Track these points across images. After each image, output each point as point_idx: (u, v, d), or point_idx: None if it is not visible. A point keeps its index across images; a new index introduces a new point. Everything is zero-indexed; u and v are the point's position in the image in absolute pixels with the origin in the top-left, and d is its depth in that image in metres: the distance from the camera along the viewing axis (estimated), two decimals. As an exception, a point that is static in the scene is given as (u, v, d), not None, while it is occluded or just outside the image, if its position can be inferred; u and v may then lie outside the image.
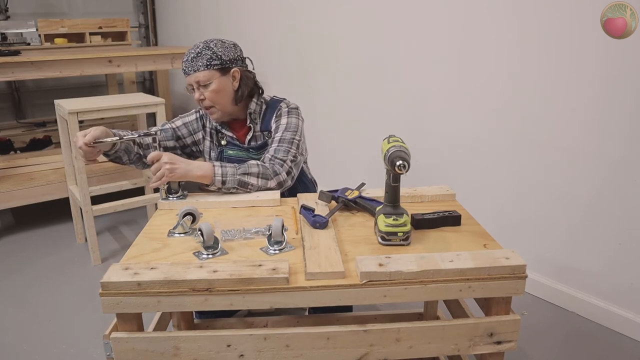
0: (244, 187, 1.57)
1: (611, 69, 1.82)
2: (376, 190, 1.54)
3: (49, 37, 3.97)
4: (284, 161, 1.63)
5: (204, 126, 1.81)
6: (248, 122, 1.76)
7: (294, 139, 1.68)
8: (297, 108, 1.78)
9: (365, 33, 2.72)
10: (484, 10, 2.16)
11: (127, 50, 3.53)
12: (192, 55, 1.65)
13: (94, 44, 4.12)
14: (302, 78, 3.22)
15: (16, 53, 2.88)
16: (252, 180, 1.57)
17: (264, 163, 1.62)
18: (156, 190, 3.00)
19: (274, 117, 1.75)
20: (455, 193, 1.58)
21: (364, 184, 1.57)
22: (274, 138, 1.69)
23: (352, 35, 2.80)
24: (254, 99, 1.76)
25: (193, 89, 1.68)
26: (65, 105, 2.42)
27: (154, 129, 1.80)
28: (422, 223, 1.35)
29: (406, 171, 1.17)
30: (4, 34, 3.71)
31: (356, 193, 1.49)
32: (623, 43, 1.73)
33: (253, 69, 1.80)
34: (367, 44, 2.72)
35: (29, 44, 3.78)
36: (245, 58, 1.76)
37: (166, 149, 1.76)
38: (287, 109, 1.75)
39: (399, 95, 2.62)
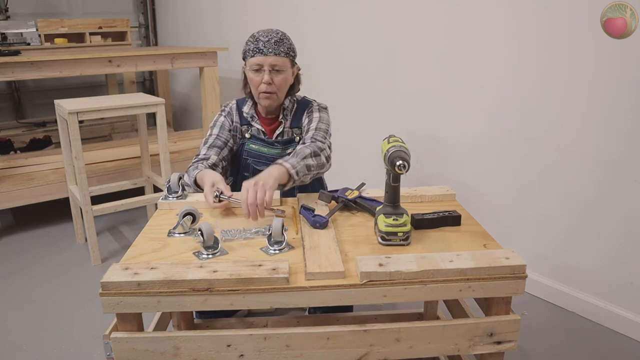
0: (308, 170, 1.53)
1: (611, 69, 1.82)
2: (376, 190, 1.54)
3: (49, 37, 3.97)
4: (323, 141, 1.67)
5: (232, 121, 1.80)
6: (280, 117, 1.78)
7: (327, 130, 1.75)
8: (326, 108, 1.84)
9: (364, 33, 2.72)
10: (483, 10, 2.16)
11: (127, 50, 3.53)
12: (275, 39, 1.64)
13: (94, 44, 4.12)
14: (302, 78, 3.21)
15: (16, 53, 2.88)
16: (310, 161, 1.54)
17: (305, 143, 1.64)
18: (157, 190, 3.02)
19: (305, 115, 1.79)
20: (455, 193, 1.58)
21: (364, 184, 1.57)
22: (309, 128, 1.73)
23: (352, 35, 2.80)
24: (289, 96, 1.80)
25: (258, 70, 1.65)
26: (65, 105, 2.42)
27: (202, 153, 1.69)
28: (422, 223, 1.35)
29: (406, 171, 1.17)
30: (4, 34, 3.71)
31: (356, 193, 1.49)
32: (623, 43, 1.73)
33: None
34: (367, 43, 2.72)
35: (29, 44, 3.78)
36: None
37: (223, 159, 1.71)
38: (318, 107, 1.81)
39: (398, 95, 2.62)
